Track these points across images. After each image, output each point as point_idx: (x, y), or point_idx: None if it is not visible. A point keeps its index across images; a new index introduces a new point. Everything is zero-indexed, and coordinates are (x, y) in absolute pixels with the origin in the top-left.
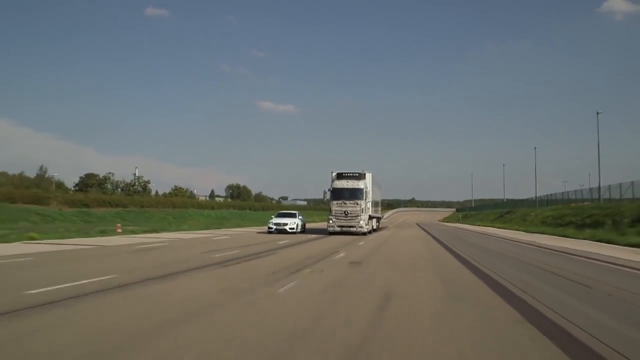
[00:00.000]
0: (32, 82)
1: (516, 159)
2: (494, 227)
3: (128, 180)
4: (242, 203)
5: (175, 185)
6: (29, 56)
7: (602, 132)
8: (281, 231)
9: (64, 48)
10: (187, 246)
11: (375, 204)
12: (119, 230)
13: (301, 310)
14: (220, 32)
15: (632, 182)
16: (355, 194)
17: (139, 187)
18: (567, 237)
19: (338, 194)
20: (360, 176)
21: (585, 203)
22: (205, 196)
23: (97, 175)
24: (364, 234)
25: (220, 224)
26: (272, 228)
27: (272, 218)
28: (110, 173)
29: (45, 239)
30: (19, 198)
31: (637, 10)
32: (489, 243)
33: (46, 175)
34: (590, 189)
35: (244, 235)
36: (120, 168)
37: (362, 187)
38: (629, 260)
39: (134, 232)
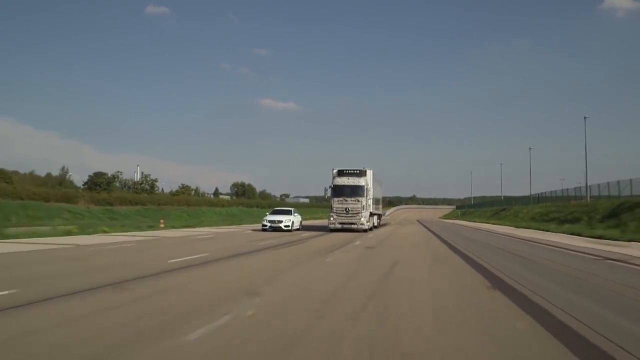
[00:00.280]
0: (32, 81)
1: (516, 158)
2: (488, 223)
3: (134, 179)
4: (249, 201)
5: (182, 184)
6: (29, 56)
7: (603, 132)
8: (276, 229)
9: (64, 48)
10: (232, 237)
11: (376, 201)
12: (162, 225)
13: (344, 269)
14: (220, 31)
15: (608, 183)
16: (356, 191)
17: (146, 186)
18: (549, 231)
19: (339, 191)
20: (361, 173)
21: (572, 202)
22: (210, 194)
23: (105, 174)
24: (365, 231)
25: (239, 220)
26: (266, 226)
27: (266, 215)
28: (118, 172)
29: (114, 232)
30: (53, 197)
31: (638, 6)
32: (475, 235)
33: (67, 176)
34: (575, 189)
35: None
36: (121, 166)
37: (363, 184)
38: (579, 246)
39: (174, 227)
